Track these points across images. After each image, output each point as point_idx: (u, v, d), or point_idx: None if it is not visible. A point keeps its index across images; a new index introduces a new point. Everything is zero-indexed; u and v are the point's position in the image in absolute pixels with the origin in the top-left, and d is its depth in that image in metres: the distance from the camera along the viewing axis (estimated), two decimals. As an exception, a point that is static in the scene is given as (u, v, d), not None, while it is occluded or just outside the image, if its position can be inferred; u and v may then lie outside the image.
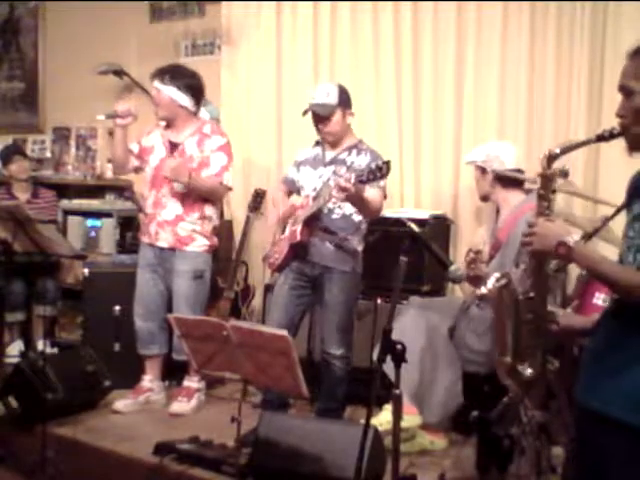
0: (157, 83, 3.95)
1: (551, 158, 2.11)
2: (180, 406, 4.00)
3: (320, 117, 3.61)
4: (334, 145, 3.70)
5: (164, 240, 4.01)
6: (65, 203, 5.56)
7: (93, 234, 5.34)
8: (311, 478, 3.02)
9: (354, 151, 3.67)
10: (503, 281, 2.34)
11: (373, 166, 3.21)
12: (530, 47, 4.08)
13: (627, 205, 1.95)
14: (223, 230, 5.08)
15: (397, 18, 4.45)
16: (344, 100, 3.63)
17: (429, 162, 4.43)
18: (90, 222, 5.38)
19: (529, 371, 2.28)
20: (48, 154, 6.24)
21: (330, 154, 3.71)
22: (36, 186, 5.48)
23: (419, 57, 4.41)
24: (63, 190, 5.73)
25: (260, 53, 4.96)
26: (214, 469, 3.24)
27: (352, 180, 3.20)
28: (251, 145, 5.02)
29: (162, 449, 3.40)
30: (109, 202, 5.40)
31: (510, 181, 3.51)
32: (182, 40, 5.48)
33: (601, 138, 1.99)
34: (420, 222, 3.55)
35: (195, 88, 4.01)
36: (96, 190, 5.60)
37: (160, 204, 3.99)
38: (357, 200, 3.40)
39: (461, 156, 4.26)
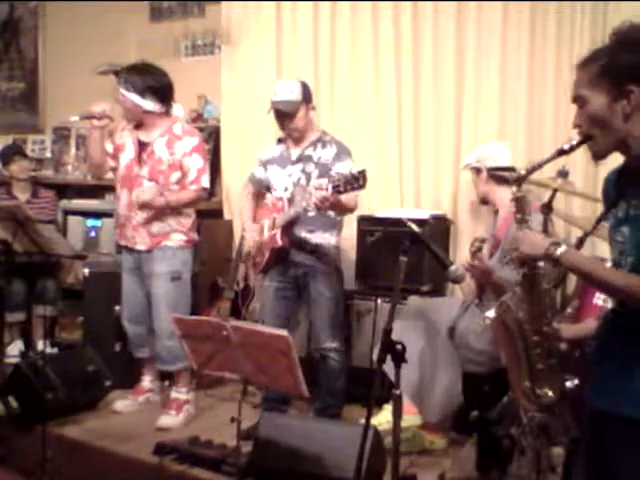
0: (122, 91, 3.85)
1: (519, 180, 2.11)
2: (168, 419, 3.89)
3: (285, 114, 3.64)
4: (298, 141, 3.73)
5: (141, 243, 3.92)
6: (65, 203, 5.56)
7: (93, 234, 5.34)
8: (311, 478, 3.03)
9: (319, 145, 3.71)
10: (502, 309, 2.33)
11: (349, 175, 3.25)
12: (530, 47, 4.07)
13: (608, 209, 1.95)
14: (223, 230, 5.09)
15: (397, 18, 4.45)
16: (307, 95, 3.68)
17: (429, 162, 4.42)
18: (90, 222, 5.37)
19: (549, 394, 2.26)
20: (48, 154, 6.24)
21: (295, 151, 3.75)
22: (36, 186, 5.48)
23: (419, 57, 4.41)
24: (63, 190, 5.73)
25: (260, 53, 4.96)
26: (214, 469, 3.24)
27: (330, 191, 3.26)
28: (251, 145, 5.02)
29: (162, 449, 3.40)
30: (109, 202, 5.39)
31: (504, 178, 3.53)
32: (182, 40, 5.49)
33: (562, 152, 1.99)
34: (420, 222, 3.55)
35: (160, 89, 3.87)
36: (96, 190, 5.59)
37: (133, 206, 3.90)
38: (335, 208, 3.47)
39: (461, 156, 4.26)
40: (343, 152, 3.70)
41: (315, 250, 3.69)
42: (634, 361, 1.82)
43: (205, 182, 3.94)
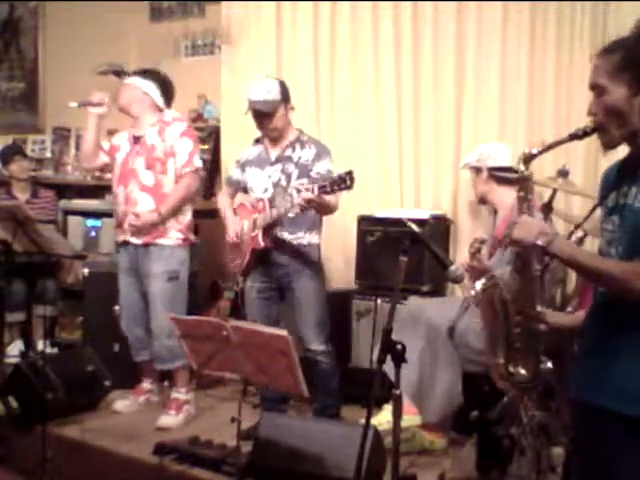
0: (127, 80, 3.99)
1: (527, 159, 2.11)
2: (168, 419, 3.89)
3: (264, 114, 3.63)
4: (277, 141, 3.72)
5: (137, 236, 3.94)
6: (65, 203, 5.56)
7: (93, 234, 5.34)
8: (311, 478, 3.02)
9: (297, 145, 3.70)
10: (490, 283, 2.34)
11: (336, 177, 3.25)
12: (530, 47, 4.07)
13: (602, 200, 1.96)
14: (223, 230, 5.08)
15: (397, 18, 4.45)
16: (285, 95, 3.67)
17: (429, 162, 4.42)
18: (90, 222, 5.37)
19: (522, 372, 2.28)
20: (48, 154, 6.24)
21: (274, 152, 3.74)
22: (36, 186, 5.48)
23: (419, 57, 4.40)
24: (63, 190, 5.73)
25: (260, 53, 4.95)
26: (214, 469, 3.24)
27: (316, 192, 3.26)
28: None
29: (162, 449, 3.40)
30: (109, 202, 5.38)
31: (504, 178, 3.53)
32: (182, 40, 5.49)
33: (574, 137, 2.00)
34: (420, 222, 3.56)
35: (165, 85, 4.00)
36: (96, 190, 5.60)
37: (131, 200, 3.92)
38: (319, 208, 3.46)
39: (461, 156, 4.26)
40: (322, 152, 3.69)
41: (297, 250, 3.68)
42: (615, 356, 1.83)
43: (197, 162, 3.96)
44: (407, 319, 3.54)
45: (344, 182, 3.21)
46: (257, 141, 3.85)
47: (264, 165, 3.74)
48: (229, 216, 3.85)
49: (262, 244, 3.63)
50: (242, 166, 3.86)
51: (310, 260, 3.71)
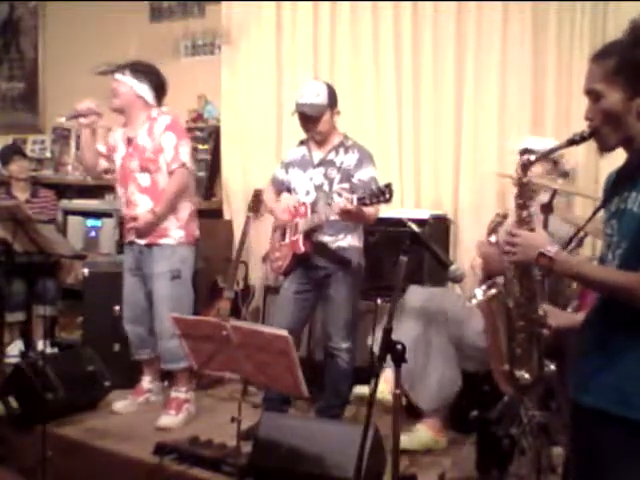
0: (117, 75, 3.90)
1: (526, 166, 2.11)
2: (168, 419, 3.88)
3: (310, 117, 3.62)
4: (321, 144, 3.72)
5: (141, 237, 3.93)
6: (65, 203, 5.55)
7: (93, 234, 5.33)
8: (311, 478, 3.02)
9: (341, 150, 3.69)
10: (493, 291, 2.34)
11: (374, 188, 3.28)
12: (531, 46, 4.08)
13: (604, 204, 1.97)
14: (223, 230, 5.09)
15: (397, 18, 4.45)
16: (332, 99, 3.66)
17: (429, 162, 4.43)
18: (90, 222, 5.36)
19: (527, 377, 2.28)
20: (48, 154, 6.23)
21: (317, 155, 3.73)
22: (35, 186, 5.47)
23: (419, 57, 4.41)
24: (63, 190, 5.73)
25: (260, 53, 4.96)
26: (214, 469, 3.24)
27: (354, 202, 3.28)
28: (251, 145, 5.02)
29: (162, 449, 3.39)
30: (109, 202, 5.39)
31: None
32: (182, 40, 5.49)
33: (572, 142, 2.00)
34: (420, 222, 3.55)
35: (155, 82, 3.94)
36: (96, 190, 5.60)
37: (131, 203, 3.92)
38: (358, 219, 3.48)
39: (461, 156, 4.27)
40: (365, 158, 3.67)
41: (337, 254, 3.66)
42: (612, 358, 1.82)
43: (184, 156, 3.88)
44: (402, 308, 3.54)
45: (383, 195, 3.24)
46: (302, 142, 3.83)
47: (307, 167, 3.73)
48: (274, 204, 3.83)
49: (302, 249, 3.63)
50: (286, 167, 3.84)
51: (349, 262, 3.68)
